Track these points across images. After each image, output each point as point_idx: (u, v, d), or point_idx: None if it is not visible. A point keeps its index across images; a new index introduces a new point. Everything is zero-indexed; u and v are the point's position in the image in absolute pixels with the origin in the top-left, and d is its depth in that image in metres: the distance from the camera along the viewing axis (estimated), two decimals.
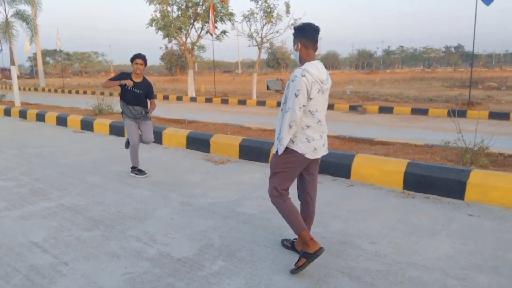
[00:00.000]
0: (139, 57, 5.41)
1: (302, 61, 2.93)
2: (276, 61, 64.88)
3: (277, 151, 2.96)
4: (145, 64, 5.48)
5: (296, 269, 2.95)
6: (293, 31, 3.00)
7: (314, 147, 2.95)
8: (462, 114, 12.17)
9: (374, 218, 4.06)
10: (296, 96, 2.78)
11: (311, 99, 2.84)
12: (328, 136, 7.32)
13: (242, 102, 19.11)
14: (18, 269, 3.08)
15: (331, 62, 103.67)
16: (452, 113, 7.59)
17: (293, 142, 2.91)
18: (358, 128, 10.77)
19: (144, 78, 5.62)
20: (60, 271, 3.05)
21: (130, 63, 5.49)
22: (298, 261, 2.99)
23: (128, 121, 5.65)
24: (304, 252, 2.96)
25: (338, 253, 3.29)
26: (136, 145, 5.62)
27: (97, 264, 3.17)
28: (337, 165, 5.45)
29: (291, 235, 3.50)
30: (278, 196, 3.01)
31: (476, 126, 5.48)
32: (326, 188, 5.04)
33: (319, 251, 2.91)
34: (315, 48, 2.94)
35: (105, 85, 5.52)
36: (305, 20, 3.03)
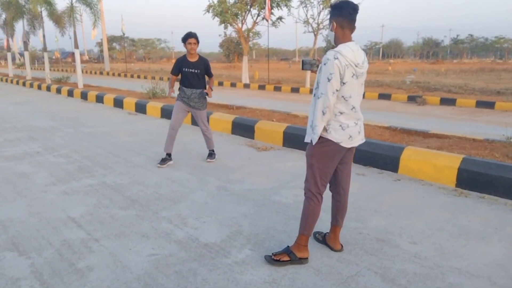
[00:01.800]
0: (190, 36, 5.21)
1: (337, 42, 2.69)
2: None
3: (311, 141, 2.77)
4: (198, 42, 5.28)
5: (274, 260, 2.84)
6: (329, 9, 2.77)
7: (350, 134, 2.73)
8: None
9: (419, 216, 3.74)
10: (329, 80, 2.56)
11: (344, 83, 2.61)
12: (378, 127, 7.02)
13: (295, 90, 18.81)
14: (52, 243, 3.17)
15: (393, 50, 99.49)
16: None
17: (326, 130, 2.71)
18: (415, 120, 10.15)
19: (200, 56, 5.44)
20: (90, 247, 3.11)
21: (183, 44, 5.31)
22: (280, 253, 2.88)
23: (178, 104, 5.46)
24: (291, 251, 2.86)
25: (374, 251, 3.06)
26: (173, 129, 5.45)
27: (126, 243, 3.19)
28: (384, 157, 5.12)
29: (324, 228, 3.31)
30: (311, 197, 2.84)
31: None
32: (370, 181, 4.75)
33: (305, 259, 2.87)
34: (352, 29, 2.68)
35: (172, 86, 5.59)
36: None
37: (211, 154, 5.73)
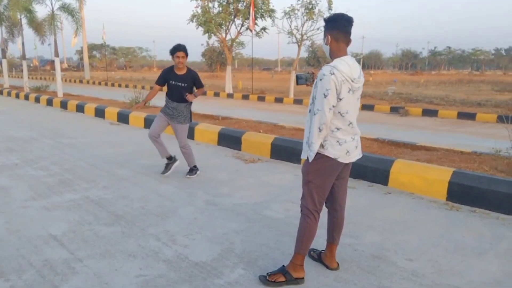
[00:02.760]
0: (179, 50, 4.98)
1: (332, 55, 2.62)
2: (316, 59, 63.87)
3: (308, 158, 2.68)
4: (187, 55, 5.05)
5: (269, 281, 2.73)
6: (323, 23, 2.70)
7: (347, 149, 2.65)
8: None
9: (413, 231, 3.69)
10: (325, 96, 2.48)
11: (340, 99, 2.53)
12: (366, 139, 7.00)
13: (279, 100, 18.82)
14: (32, 263, 2.98)
15: (373, 61, 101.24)
16: (503, 119, 6.95)
17: (323, 146, 2.62)
18: (399, 131, 10.23)
19: (188, 69, 5.22)
20: (73, 268, 2.93)
21: (171, 56, 5.09)
22: (275, 274, 2.76)
23: (159, 115, 5.32)
24: (287, 271, 2.75)
25: (370, 269, 2.97)
26: (152, 136, 5.25)
27: (112, 262, 3.02)
28: (374, 170, 5.08)
29: (319, 245, 3.21)
30: (308, 215, 2.73)
31: None
32: (361, 195, 4.69)
33: (301, 280, 2.77)
34: (348, 42, 2.61)
35: (146, 99, 5.33)
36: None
37: (192, 170, 5.42)
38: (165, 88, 5.35)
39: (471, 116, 12.91)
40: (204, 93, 5.61)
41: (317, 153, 2.63)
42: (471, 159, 5.45)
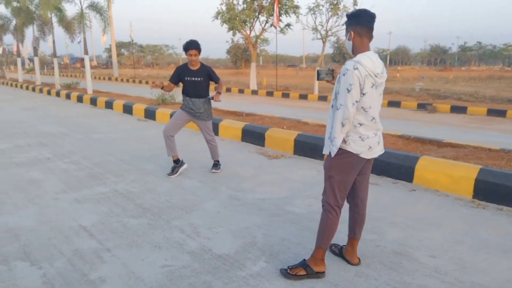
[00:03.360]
0: (191, 48, 5.01)
1: (355, 51, 2.63)
2: (342, 55, 63.05)
3: (330, 153, 2.70)
4: (199, 52, 5.09)
5: (290, 274, 2.77)
6: (346, 19, 2.72)
7: (369, 145, 2.67)
8: None
9: (436, 228, 3.65)
10: (349, 91, 2.50)
11: (364, 94, 2.54)
12: (391, 136, 6.92)
13: (303, 97, 18.76)
14: (63, 252, 3.13)
15: (400, 57, 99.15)
16: None
17: (345, 142, 2.64)
18: (426, 128, 10.04)
19: (201, 64, 5.27)
20: (102, 257, 3.06)
21: (185, 52, 5.14)
22: (296, 267, 2.81)
23: (180, 112, 5.30)
24: (308, 265, 2.79)
25: (392, 265, 2.98)
26: (166, 134, 5.23)
27: (139, 253, 3.14)
28: (398, 167, 5.03)
29: (340, 240, 3.23)
30: (329, 210, 2.76)
31: None
32: (385, 192, 4.67)
33: (322, 274, 2.80)
34: (370, 37, 2.63)
35: (164, 87, 5.26)
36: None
37: (216, 165, 5.53)
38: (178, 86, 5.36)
39: (502, 113, 12.51)
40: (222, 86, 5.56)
41: (340, 148, 2.65)
42: (499, 156, 5.32)
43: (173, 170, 5.32)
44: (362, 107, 2.60)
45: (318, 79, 2.95)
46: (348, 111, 2.53)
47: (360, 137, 2.64)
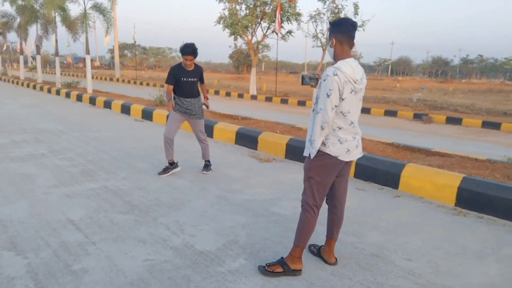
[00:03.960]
0: (188, 53, 5.09)
1: (336, 58, 2.74)
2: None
3: (309, 155, 2.80)
4: (195, 57, 5.20)
5: (267, 271, 2.87)
6: (328, 26, 2.83)
7: (347, 148, 2.76)
8: None
9: (416, 233, 3.74)
10: (328, 96, 2.61)
11: (343, 99, 2.65)
12: (381, 143, 7.02)
13: (301, 103, 18.88)
14: (49, 244, 3.21)
15: (402, 68, 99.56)
16: None
17: (324, 144, 2.74)
18: (419, 137, 10.15)
19: (195, 64, 5.37)
20: (87, 250, 3.14)
21: (181, 54, 5.23)
22: (274, 264, 2.90)
23: (174, 113, 5.36)
24: (285, 263, 2.89)
25: (368, 267, 3.06)
26: (168, 137, 5.31)
27: (123, 247, 3.22)
28: (385, 173, 5.13)
29: (320, 241, 3.32)
30: (308, 209, 2.85)
31: None
32: (370, 197, 4.75)
33: (299, 272, 2.89)
34: (351, 45, 2.74)
35: (170, 99, 5.36)
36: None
37: (207, 166, 5.62)
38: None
39: (496, 126, 12.64)
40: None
41: (319, 150, 2.75)
42: (484, 166, 5.41)
43: (165, 170, 5.40)
44: (341, 112, 2.70)
45: (302, 83, 3.05)
46: (327, 115, 2.63)
47: (339, 140, 2.74)
